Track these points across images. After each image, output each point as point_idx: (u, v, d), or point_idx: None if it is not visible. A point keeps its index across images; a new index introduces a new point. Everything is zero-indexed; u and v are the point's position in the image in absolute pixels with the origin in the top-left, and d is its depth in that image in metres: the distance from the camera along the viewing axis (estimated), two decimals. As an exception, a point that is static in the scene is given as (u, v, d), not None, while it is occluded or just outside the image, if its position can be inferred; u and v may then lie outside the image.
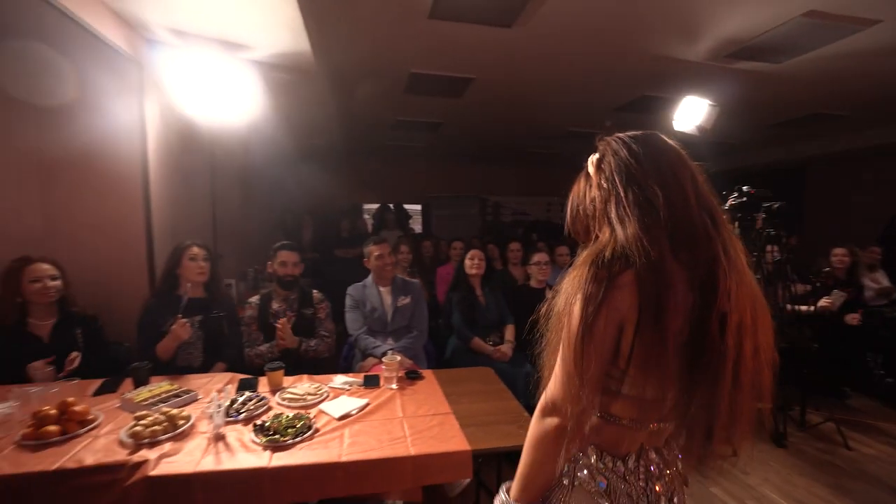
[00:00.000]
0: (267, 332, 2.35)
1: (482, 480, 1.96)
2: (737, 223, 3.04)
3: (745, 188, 2.93)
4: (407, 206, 7.25)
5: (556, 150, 6.91)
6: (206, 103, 2.80)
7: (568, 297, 0.73)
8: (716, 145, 6.10)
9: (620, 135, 0.83)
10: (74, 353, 1.95)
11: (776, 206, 2.95)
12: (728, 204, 3.00)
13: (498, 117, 4.95)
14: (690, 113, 3.52)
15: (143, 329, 2.12)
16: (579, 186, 0.88)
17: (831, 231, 5.40)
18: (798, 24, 2.69)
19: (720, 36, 2.90)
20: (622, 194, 0.75)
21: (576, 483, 0.77)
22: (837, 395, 3.39)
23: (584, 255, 0.74)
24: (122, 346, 2.35)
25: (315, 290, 2.48)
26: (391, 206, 6.60)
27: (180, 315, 2.00)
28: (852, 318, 3.35)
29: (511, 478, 0.84)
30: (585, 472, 0.77)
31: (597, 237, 0.79)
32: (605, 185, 0.79)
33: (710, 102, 3.48)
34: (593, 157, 0.86)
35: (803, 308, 3.15)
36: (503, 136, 5.97)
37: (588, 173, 0.86)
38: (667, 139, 0.81)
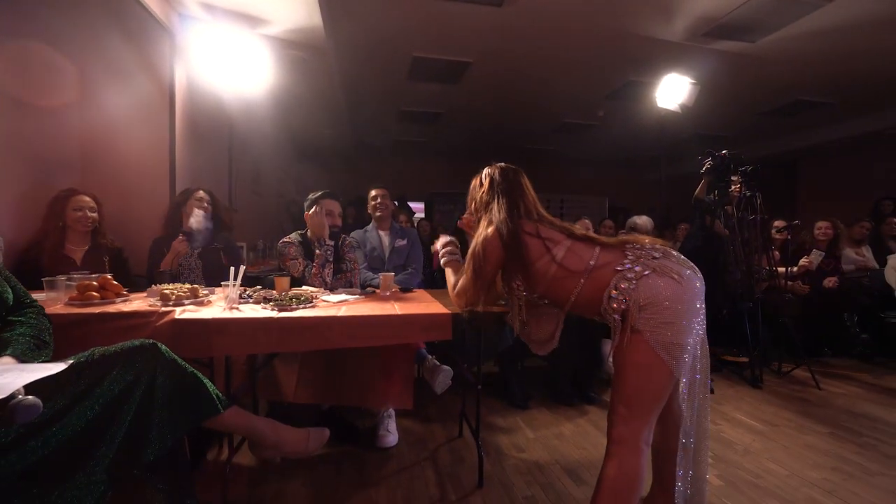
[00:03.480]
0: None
1: (465, 412, 2.15)
2: (715, 192, 3.24)
3: (718, 153, 3.14)
4: (410, 203, 7.53)
5: (552, 146, 7.20)
6: (226, 76, 3.11)
7: (476, 241, 1.44)
8: (708, 139, 6.33)
9: (501, 164, 1.56)
10: None
11: (750, 168, 3.15)
12: (704, 168, 3.22)
13: (495, 105, 5.25)
14: (672, 91, 3.77)
15: (151, 254, 2.43)
16: (475, 189, 1.57)
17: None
18: (763, 0, 2.96)
19: (694, 13, 3.17)
20: (501, 198, 1.45)
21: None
22: (818, 355, 3.52)
23: (483, 224, 1.46)
24: (142, 278, 2.60)
25: (342, 235, 2.50)
26: (395, 202, 6.87)
27: (181, 235, 2.29)
28: (829, 281, 3.50)
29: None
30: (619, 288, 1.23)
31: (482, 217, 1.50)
32: (492, 191, 1.49)
33: (691, 80, 3.74)
34: (487, 171, 1.56)
35: (781, 269, 3.32)
36: (501, 128, 6.27)
37: (482, 182, 1.56)
38: (522, 172, 1.55)
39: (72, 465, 0.90)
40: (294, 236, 2.34)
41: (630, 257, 1.26)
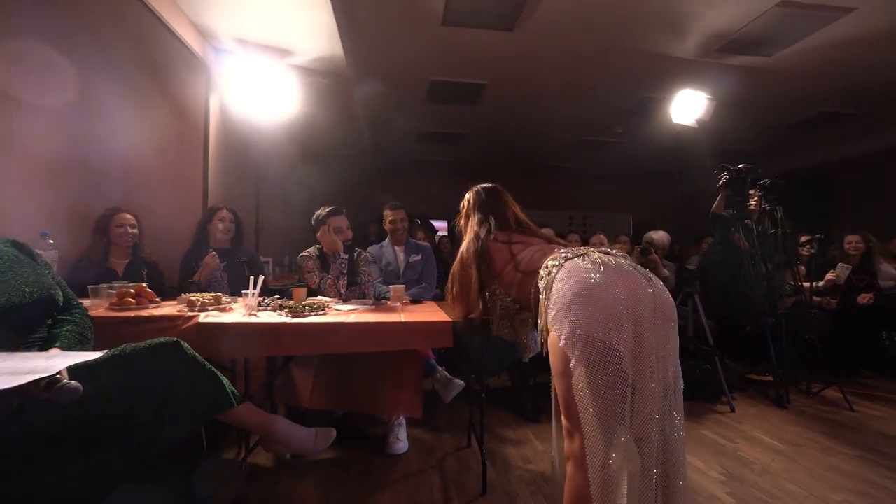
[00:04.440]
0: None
1: (472, 421, 2.18)
2: (733, 210, 3.19)
3: (734, 167, 3.10)
4: (433, 222, 7.69)
5: (573, 163, 7.22)
6: (256, 102, 3.37)
7: (457, 259, 1.62)
8: (731, 153, 6.21)
9: (479, 187, 1.71)
10: None
11: (769, 182, 3.10)
12: (720, 182, 3.19)
13: (513, 124, 5.36)
14: (688, 106, 3.78)
15: (182, 270, 2.61)
16: (461, 210, 1.74)
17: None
18: (776, 15, 2.96)
19: (705, 30, 3.21)
20: (474, 216, 1.62)
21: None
22: (854, 374, 3.35)
23: (464, 243, 1.61)
24: (175, 289, 2.80)
25: (358, 249, 2.65)
26: (418, 220, 7.05)
27: (212, 250, 2.46)
28: (863, 298, 3.34)
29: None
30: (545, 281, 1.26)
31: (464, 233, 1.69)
32: (469, 211, 1.67)
33: (707, 96, 3.73)
34: (467, 196, 1.72)
35: (806, 284, 3.21)
36: (521, 146, 6.36)
37: (463, 205, 1.72)
38: (501, 188, 1.71)
39: (95, 442, 1.02)
40: (312, 250, 2.48)
41: (574, 248, 1.30)
